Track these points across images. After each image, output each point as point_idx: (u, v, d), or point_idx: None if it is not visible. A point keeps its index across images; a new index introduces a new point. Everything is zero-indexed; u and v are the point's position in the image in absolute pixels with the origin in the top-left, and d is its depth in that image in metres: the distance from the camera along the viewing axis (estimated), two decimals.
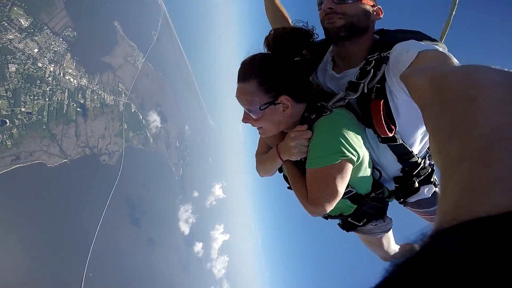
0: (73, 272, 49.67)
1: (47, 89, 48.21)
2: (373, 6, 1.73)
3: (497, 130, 0.44)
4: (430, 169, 1.89)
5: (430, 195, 1.95)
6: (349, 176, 1.58)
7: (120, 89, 71.73)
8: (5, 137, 39.46)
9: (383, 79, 1.55)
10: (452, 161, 0.48)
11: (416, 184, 1.86)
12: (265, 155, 1.89)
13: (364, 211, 1.89)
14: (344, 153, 1.52)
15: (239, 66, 1.70)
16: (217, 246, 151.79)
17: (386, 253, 2.37)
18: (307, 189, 1.63)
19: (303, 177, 1.68)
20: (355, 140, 1.56)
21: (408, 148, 1.70)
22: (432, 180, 1.92)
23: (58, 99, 50.24)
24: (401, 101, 1.54)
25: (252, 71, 1.62)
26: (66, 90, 52.36)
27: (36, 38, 47.15)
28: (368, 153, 1.71)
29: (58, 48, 51.47)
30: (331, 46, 1.92)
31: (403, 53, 1.41)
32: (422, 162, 1.81)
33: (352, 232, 2.08)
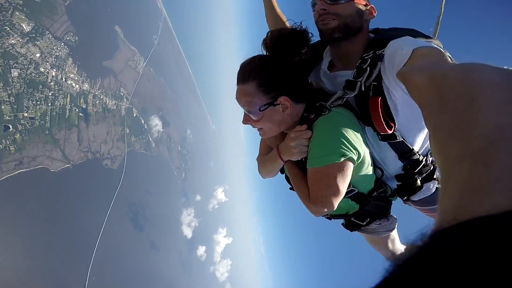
0: (76, 276, 49.67)
1: (50, 94, 48.47)
2: (366, 5, 1.74)
3: (497, 130, 0.44)
4: (432, 167, 1.87)
5: (433, 192, 1.94)
6: (350, 175, 1.58)
7: (122, 94, 72.00)
8: (8, 143, 39.64)
9: (379, 77, 1.56)
10: (452, 161, 0.48)
11: (419, 182, 1.85)
12: (266, 156, 1.90)
13: (367, 210, 1.89)
14: (344, 152, 1.52)
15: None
16: (220, 250, 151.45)
17: (391, 253, 2.36)
18: (309, 189, 1.63)
19: (305, 177, 1.69)
20: (355, 138, 1.57)
21: (409, 145, 1.70)
22: (435, 177, 1.91)
23: (60, 104, 50.49)
24: (399, 98, 1.54)
25: (251, 73, 1.63)
26: (68, 95, 52.61)
27: (38, 43, 47.51)
28: (368, 151, 1.71)
29: (60, 53, 51.80)
30: (328, 46, 1.93)
31: (398, 51, 1.41)
32: (424, 159, 1.80)
33: (356, 232, 2.08)
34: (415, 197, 1.96)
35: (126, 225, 68.74)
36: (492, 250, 0.25)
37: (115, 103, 68.51)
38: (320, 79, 1.92)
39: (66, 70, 52.92)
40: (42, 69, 47.37)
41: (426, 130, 1.71)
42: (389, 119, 1.59)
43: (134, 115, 77.29)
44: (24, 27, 45.29)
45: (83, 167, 53.37)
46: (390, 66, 1.47)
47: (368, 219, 1.94)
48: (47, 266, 43.43)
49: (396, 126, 1.61)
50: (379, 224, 1.97)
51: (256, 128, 1.76)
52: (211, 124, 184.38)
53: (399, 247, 2.38)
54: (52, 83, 49.32)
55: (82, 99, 56.42)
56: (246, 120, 1.73)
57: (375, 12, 1.77)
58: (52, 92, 49.03)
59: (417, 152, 1.76)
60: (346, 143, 1.52)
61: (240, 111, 1.75)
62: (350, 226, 2.03)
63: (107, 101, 65.02)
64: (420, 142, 1.75)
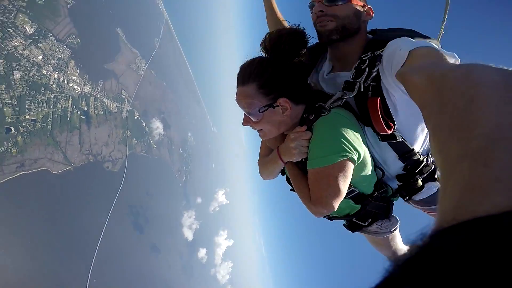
0: (77, 278, 49.65)
1: (51, 96, 48.60)
2: (363, 6, 1.75)
3: (497, 130, 0.44)
4: (433, 167, 1.86)
5: (435, 192, 1.92)
6: (351, 175, 1.58)
7: (123, 96, 72.09)
8: (10, 145, 39.74)
9: (378, 77, 1.56)
10: (452, 161, 0.48)
11: (420, 182, 1.85)
12: (267, 157, 1.90)
13: (368, 211, 1.89)
14: (344, 152, 1.53)
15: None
16: (221, 252, 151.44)
17: (393, 254, 2.34)
18: (310, 189, 1.63)
19: (305, 178, 1.69)
20: (354, 138, 1.57)
21: (409, 145, 1.70)
22: (436, 177, 1.90)
23: (62, 106, 50.61)
24: (398, 98, 1.54)
25: (251, 75, 1.64)
26: (70, 97, 52.74)
27: (41, 45, 47.68)
28: (368, 151, 1.71)
29: (62, 55, 51.96)
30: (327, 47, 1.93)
31: (396, 51, 1.41)
32: (425, 159, 1.80)
33: (358, 232, 2.07)
34: (417, 197, 1.94)
35: (127, 227, 68.72)
36: (492, 250, 0.25)
37: (117, 106, 68.62)
38: (318, 82, 1.93)
39: (68, 72, 53.06)
40: (44, 71, 47.53)
41: (426, 130, 1.71)
42: (389, 119, 1.59)
43: (136, 117, 77.36)
44: (27, 29, 45.47)
45: (84, 170, 53.41)
46: (388, 67, 1.47)
47: (370, 220, 1.94)
48: (48, 268, 43.42)
49: (396, 126, 1.62)
50: (381, 224, 1.96)
51: (256, 130, 1.77)
52: (212, 127, 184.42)
53: (402, 248, 2.37)
54: (54, 86, 49.46)
55: (83, 102, 56.55)
56: (246, 121, 1.74)
57: (372, 13, 1.78)
58: (54, 94, 49.17)
59: (418, 152, 1.76)
60: (346, 143, 1.53)
61: (240, 114, 1.75)
62: (352, 227, 2.03)
63: (109, 104, 65.12)
64: (420, 142, 1.75)
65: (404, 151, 1.72)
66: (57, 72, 50.21)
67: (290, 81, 1.66)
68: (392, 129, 1.60)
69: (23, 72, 43.00)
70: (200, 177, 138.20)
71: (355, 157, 1.56)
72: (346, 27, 1.69)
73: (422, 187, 1.86)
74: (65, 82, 52.11)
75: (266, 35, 1.71)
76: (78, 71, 55.91)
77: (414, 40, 1.48)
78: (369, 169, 1.74)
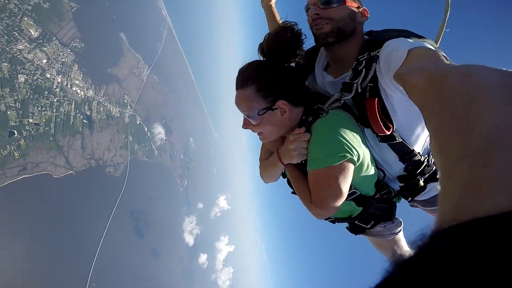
0: (77, 282, 49.48)
1: (55, 100, 48.88)
2: (358, 7, 1.76)
3: (496, 130, 0.44)
4: (434, 167, 1.85)
5: (437, 193, 1.89)
6: (351, 175, 1.58)
7: (126, 101, 72.40)
8: (13, 148, 39.90)
9: (375, 78, 1.56)
10: (452, 161, 0.48)
11: (421, 183, 1.83)
12: (267, 160, 1.91)
13: (371, 213, 1.88)
14: (344, 152, 1.53)
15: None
16: (222, 258, 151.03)
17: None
18: (310, 191, 1.63)
19: (306, 180, 1.69)
20: (354, 139, 1.57)
21: (409, 146, 1.70)
22: (438, 177, 1.86)
23: (65, 110, 50.86)
24: (397, 99, 1.54)
25: (250, 78, 1.65)
26: (73, 101, 53.00)
27: (45, 48, 48.10)
28: (368, 152, 1.71)
29: (66, 59, 52.34)
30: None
31: (393, 52, 1.42)
32: (426, 160, 1.79)
33: (361, 235, 2.06)
34: (420, 198, 1.93)
35: (128, 231, 68.62)
36: (492, 251, 0.25)
37: (119, 111, 68.90)
38: (319, 81, 1.94)
39: (72, 76, 53.40)
40: (48, 75, 47.86)
41: (426, 130, 1.70)
42: (387, 120, 1.60)
43: (138, 122, 77.61)
44: (32, 32, 45.91)
45: (86, 174, 53.49)
46: (386, 68, 1.47)
47: (372, 222, 1.93)
48: (49, 271, 43.33)
49: (395, 127, 1.62)
50: (384, 226, 1.95)
51: (256, 133, 1.78)
52: (214, 132, 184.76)
53: (406, 250, 2.32)
54: (57, 89, 49.77)
55: (86, 106, 56.80)
56: (246, 124, 1.75)
57: (368, 14, 1.78)
58: (57, 98, 49.44)
59: (418, 152, 1.75)
60: (345, 144, 1.53)
61: (241, 118, 1.77)
62: (355, 229, 2.01)
63: (111, 108, 65.39)
64: (421, 143, 1.75)
65: (404, 152, 1.72)
66: (60, 76, 50.56)
67: (289, 84, 1.68)
68: (391, 130, 1.60)
69: (27, 76, 43.34)
70: (202, 182, 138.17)
71: (355, 158, 1.56)
72: (341, 29, 1.70)
73: (424, 187, 1.85)
74: (68, 86, 52.41)
75: (264, 37, 1.74)
76: (81, 75, 56.24)
77: (410, 41, 1.48)
78: (369, 170, 1.73)
